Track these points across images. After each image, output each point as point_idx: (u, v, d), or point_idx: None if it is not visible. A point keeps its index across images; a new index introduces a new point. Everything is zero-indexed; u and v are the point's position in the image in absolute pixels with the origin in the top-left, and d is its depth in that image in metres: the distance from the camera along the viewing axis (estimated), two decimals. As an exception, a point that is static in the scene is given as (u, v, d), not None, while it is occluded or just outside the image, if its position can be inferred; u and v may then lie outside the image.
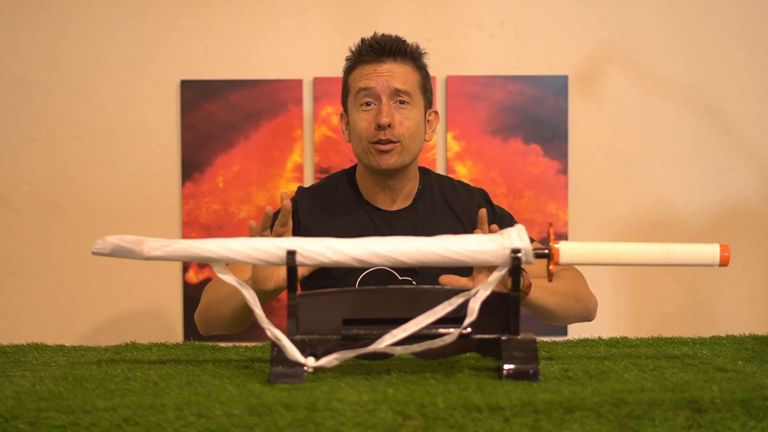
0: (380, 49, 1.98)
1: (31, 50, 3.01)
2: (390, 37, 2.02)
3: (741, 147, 3.04)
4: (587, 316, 1.99)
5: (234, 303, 1.82)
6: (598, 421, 1.12)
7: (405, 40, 2.05)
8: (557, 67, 3.03)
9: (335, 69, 2.95)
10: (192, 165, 3.00)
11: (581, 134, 3.03)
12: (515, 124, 3.00)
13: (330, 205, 2.01)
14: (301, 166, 2.99)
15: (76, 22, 3.00)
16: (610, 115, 3.04)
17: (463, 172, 2.98)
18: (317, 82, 2.98)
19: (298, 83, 2.99)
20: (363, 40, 2.03)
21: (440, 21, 3.02)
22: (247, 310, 1.75)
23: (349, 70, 2.05)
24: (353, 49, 2.04)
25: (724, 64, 3.04)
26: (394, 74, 1.97)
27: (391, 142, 1.94)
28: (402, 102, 1.96)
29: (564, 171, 3.01)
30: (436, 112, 2.09)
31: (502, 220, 2.02)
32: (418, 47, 2.05)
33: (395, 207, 2.00)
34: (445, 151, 3.00)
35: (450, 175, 2.97)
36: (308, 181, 2.99)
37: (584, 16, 3.03)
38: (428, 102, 2.05)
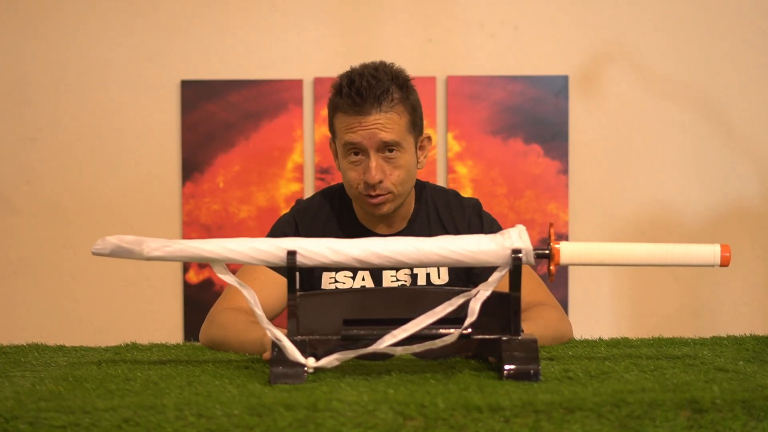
0: (362, 99, 1.85)
1: (31, 50, 3.01)
2: (372, 79, 1.86)
3: (741, 147, 3.04)
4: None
5: (244, 349, 1.74)
6: (598, 421, 1.12)
7: (391, 74, 1.89)
8: (557, 67, 3.03)
9: (335, 69, 2.94)
10: (192, 165, 2.99)
11: (581, 134, 3.03)
12: (515, 124, 3.00)
13: (328, 227, 1.99)
14: (301, 166, 2.99)
15: (77, 22, 3.00)
16: (611, 115, 3.04)
17: (463, 172, 2.98)
18: (317, 82, 2.98)
19: (298, 83, 2.99)
20: (343, 81, 1.88)
21: (440, 21, 3.02)
22: (258, 356, 1.68)
23: (333, 108, 1.94)
24: (335, 83, 1.92)
25: (724, 64, 3.04)
26: (381, 126, 1.85)
27: (381, 195, 1.88)
28: (391, 150, 1.87)
29: (564, 171, 3.01)
30: (429, 138, 1.99)
31: (491, 228, 2.00)
32: (404, 77, 1.91)
33: (392, 231, 1.99)
34: (446, 151, 3.00)
35: (450, 176, 2.98)
36: (308, 182, 2.99)
37: (584, 16, 3.03)
38: (419, 131, 1.95)
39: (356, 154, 1.89)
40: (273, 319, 1.89)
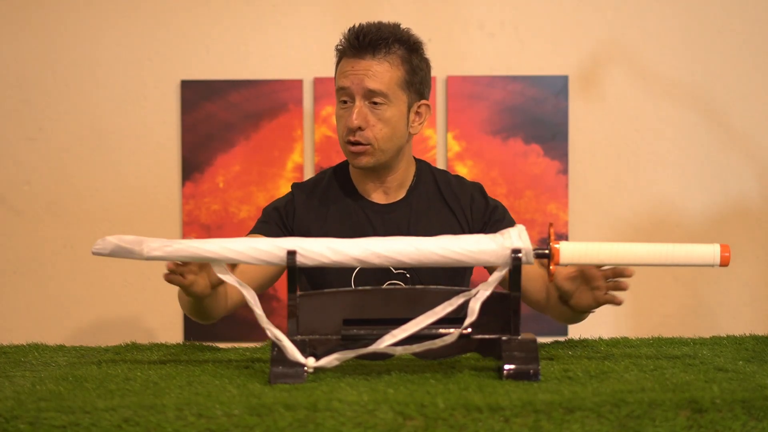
0: (358, 43, 1.90)
1: (31, 50, 3.01)
2: (374, 28, 1.93)
3: (741, 147, 3.04)
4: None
5: (185, 304, 1.80)
6: (598, 421, 1.12)
7: (396, 30, 1.94)
8: (557, 67, 3.03)
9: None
10: (192, 165, 3.00)
11: (581, 134, 3.03)
12: (515, 124, 3.00)
13: (325, 199, 2.00)
14: (301, 166, 2.99)
15: (77, 22, 3.00)
16: (611, 115, 3.04)
17: (463, 172, 2.98)
18: (317, 82, 2.98)
19: (298, 83, 2.99)
20: (349, 29, 1.95)
21: (440, 21, 3.02)
22: (200, 307, 1.73)
23: (337, 61, 1.99)
24: (343, 35, 1.96)
25: (724, 64, 3.04)
26: (370, 73, 1.89)
27: (360, 144, 1.89)
28: (376, 103, 1.89)
29: (564, 171, 3.01)
30: (428, 105, 1.99)
31: (494, 211, 2.01)
32: (409, 37, 1.95)
33: (388, 200, 1.99)
34: (446, 151, 3.00)
35: (450, 175, 2.98)
36: (308, 181, 3.00)
37: (584, 16, 3.03)
38: (417, 95, 1.96)
39: (345, 103, 1.92)
40: (275, 281, 1.93)
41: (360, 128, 1.88)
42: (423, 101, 1.97)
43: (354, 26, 1.95)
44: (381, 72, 1.90)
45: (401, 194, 2.00)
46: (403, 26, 1.97)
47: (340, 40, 1.96)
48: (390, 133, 1.91)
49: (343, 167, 2.05)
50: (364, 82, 1.89)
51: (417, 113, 1.97)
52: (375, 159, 1.92)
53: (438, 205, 1.99)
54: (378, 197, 1.99)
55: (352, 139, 1.89)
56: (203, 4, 3.01)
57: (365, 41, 1.90)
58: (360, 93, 1.89)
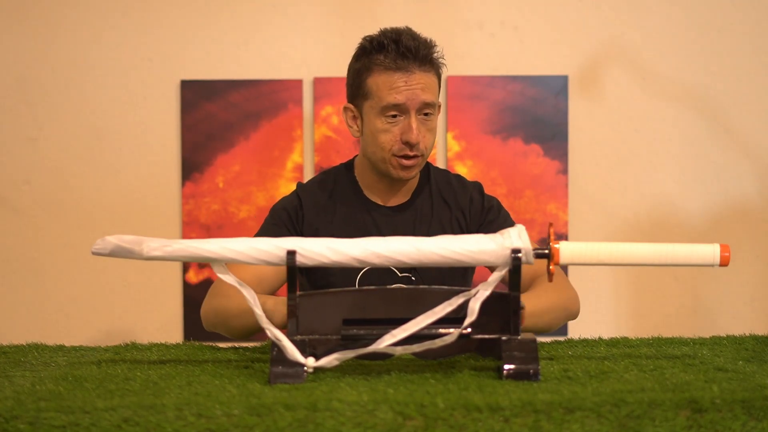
0: (412, 56, 1.85)
1: (31, 50, 3.01)
2: (414, 40, 1.87)
3: (741, 147, 3.04)
4: (572, 319, 1.97)
5: (246, 321, 1.75)
6: (598, 421, 1.12)
7: (424, 41, 1.89)
8: (557, 67, 3.03)
9: (335, 69, 2.96)
10: (192, 165, 3.00)
11: (581, 134, 3.03)
12: (515, 124, 3.00)
13: (331, 200, 1.99)
14: (301, 166, 2.99)
15: (76, 22, 3.00)
16: (610, 115, 3.04)
17: (463, 172, 2.98)
18: (317, 82, 2.98)
19: (298, 83, 2.99)
20: (387, 39, 1.86)
21: (440, 21, 3.02)
22: (257, 328, 1.69)
23: (367, 69, 1.90)
24: (373, 44, 1.88)
25: (724, 64, 3.04)
26: (422, 86, 1.87)
27: (416, 156, 1.89)
28: (427, 114, 1.89)
29: (564, 171, 3.01)
30: (439, 106, 1.99)
31: (489, 211, 2.01)
32: (433, 46, 1.91)
33: (394, 203, 1.99)
34: (445, 151, 3.00)
35: (450, 175, 2.98)
36: (308, 181, 2.99)
37: (584, 16, 3.03)
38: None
39: (394, 116, 1.88)
40: (275, 291, 1.92)
41: (418, 142, 1.88)
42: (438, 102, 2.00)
43: (391, 38, 1.88)
44: (432, 84, 1.90)
45: (406, 197, 2.00)
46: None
47: (373, 52, 1.89)
48: (433, 142, 1.94)
49: (347, 169, 2.03)
50: (420, 96, 1.87)
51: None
52: (420, 169, 1.93)
53: (440, 207, 2.00)
54: (384, 200, 1.99)
55: (409, 153, 1.88)
56: (203, 4, 3.01)
57: (418, 53, 1.86)
58: (415, 107, 1.87)
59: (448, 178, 2.06)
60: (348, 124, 1.99)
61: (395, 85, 1.87)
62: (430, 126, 1.91)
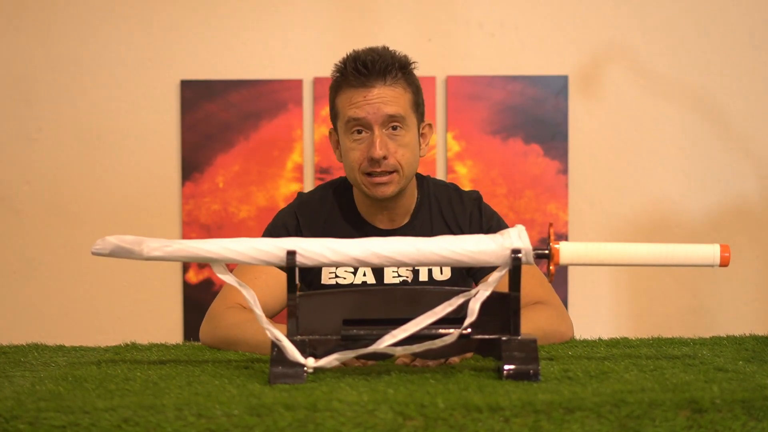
0: (367, 72, 1.84)
1: (31, 50, 3.01)
2: (376, 55, 1.86)
3: (741, 147, 3.04)
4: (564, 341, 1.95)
5: (259, 349, 1.71)
6: (598, 421, 1.12)
7: (393, 54, 1.88)
8: (557, 67, 3.03)
9: (335, 69, 2.96)
10: (192, 165, 3.00)
11: (581, 134, 3.03)
12: (515, 124, 3.00)
13: (329, 222, 1.96)
14: (301, 166, 2.99)
15: (77, 22, 3.00)
16: (610, 114, 3.04)
17: (463, 172, 2.98)
18: (317, 82, 2.98)
19: (298, 83, 2.99)
20: (347, 59, 1.87)
21: (440, 21, 3.02)
22: (261, 353, 1.66)
23: (335, 89, 1.92)
24: (338, 64, 1.90)
25: (724, 64, 3.04)
26: (384, 99, 1.84)
27: (386, 173, 1.85)
28: (395, 128, 1.85)
29: (564, 171, 3.01)
30: (430, 125, 1.97)
31: (489, 231, 1.98)
32: (407, 59, 1.90)
33: (393, 225, 1.97)
34: (445, 151, 3.00)
35: (450, 175, 2.98)
36: (308, 182, 2.99)
37: (584, 16, 3.03)
38: (421, 117, 1.94)
39: (359, 132, 1.86)
40: (276, 315, 1.89)
41: (384, 157, 1.84)
42: (426, 122, 1.97)
43: (349, 56, 1.89)
44: (396, 96, 1.86)
45: (405, 219, 1.97)
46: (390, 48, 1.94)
47: (338, 66, 1.91)
48: (411, 158, 1.88)
49: (345, 189, 2.01)
50: (382, 109, 1.84)
51: (422, 135, 1.95)
52: (399, 187, 1.87)
53: (440, 226, 1.97)
54: (383, 223, 1.96)
55: (377, 170, 1.85)
56: (203, 4, 3.01)
57: (374, 68, 1.85)
58: (378, 121, 1.84)
59: (448, 194, 2.01)
60: (333, 149, 1.98)
61: (354, 101, 1.86)
62: (402, 141, 1.86)
